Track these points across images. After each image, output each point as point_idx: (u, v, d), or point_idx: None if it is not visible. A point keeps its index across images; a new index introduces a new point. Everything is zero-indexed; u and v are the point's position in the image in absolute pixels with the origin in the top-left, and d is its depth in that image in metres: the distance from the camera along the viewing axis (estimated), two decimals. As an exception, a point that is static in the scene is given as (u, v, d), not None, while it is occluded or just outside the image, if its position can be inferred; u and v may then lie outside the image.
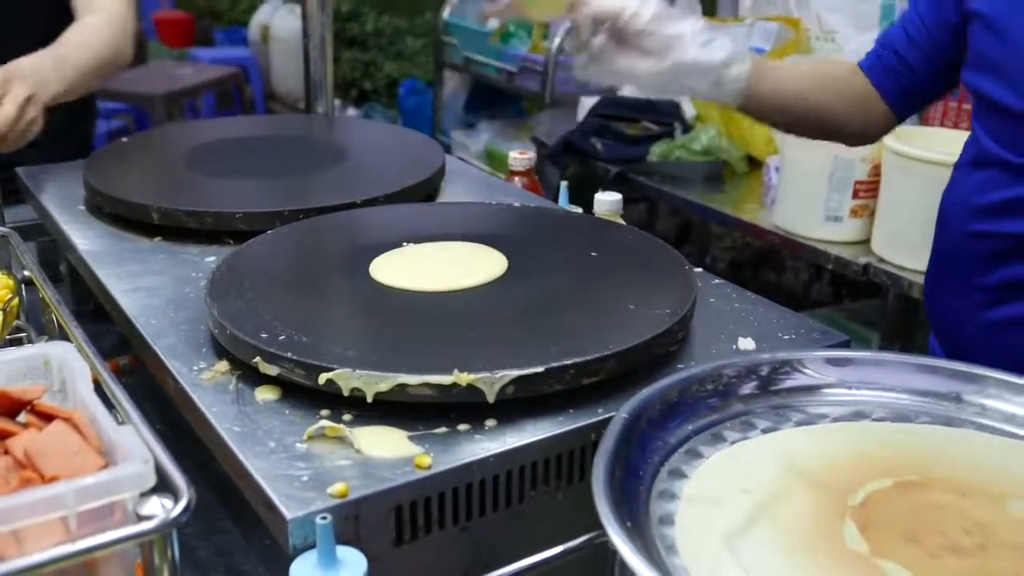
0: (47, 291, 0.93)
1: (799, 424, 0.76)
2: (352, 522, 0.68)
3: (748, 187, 2.29)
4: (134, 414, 0.65)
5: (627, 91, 2.73)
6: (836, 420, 0.76)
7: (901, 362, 0.80)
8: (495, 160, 3.28)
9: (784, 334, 0.92)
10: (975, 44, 1.05)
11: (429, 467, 0.71)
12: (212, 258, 1.08)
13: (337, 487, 0.68)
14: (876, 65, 1.17)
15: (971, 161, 1.09)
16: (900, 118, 1.20)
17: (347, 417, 0.77)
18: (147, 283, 1.02)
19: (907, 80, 1.15)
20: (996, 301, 1.05)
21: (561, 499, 0.77)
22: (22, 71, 1.25)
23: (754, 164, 2.34)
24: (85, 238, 1.14)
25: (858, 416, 0.77)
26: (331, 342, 0.81)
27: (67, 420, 0.63)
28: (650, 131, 2.43)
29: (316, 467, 0.71)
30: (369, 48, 4.80)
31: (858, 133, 1.20)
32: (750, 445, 0.73)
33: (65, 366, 0.70)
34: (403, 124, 3.87)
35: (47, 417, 0.64)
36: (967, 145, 1.11)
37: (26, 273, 1.01)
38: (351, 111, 4.56)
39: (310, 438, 0.74)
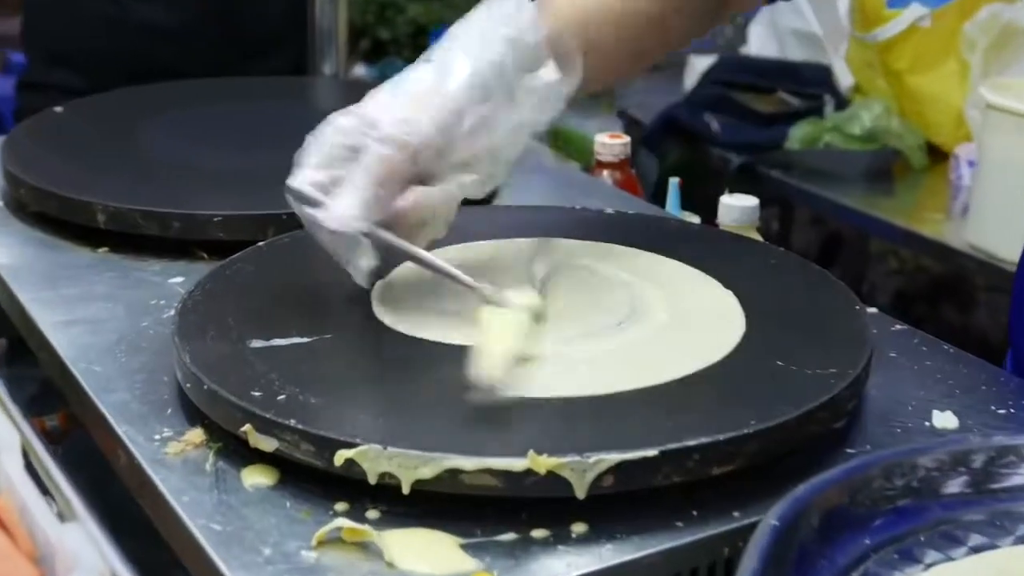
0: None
1: (1027, 541, 0.74)
2: (381, 668, 0.67)
3: (928, 188, 2.28)
4: (81, 506, 0.65)
5: (754, 47, 2.72)
6: (1082, 537, 0.75)
7: None
8: (568, 143, 3.27)
9: (998, 406, 0.91)
10: None
11: (492, 591, 0.70)
12: (180, 279, 1.08)
13: (361, 617, 0.68)
14: None
15: None
16: None
17: (373, 514, 0.77)
18: (89, 313, 1.02)
19: None
20: None
21: (679, 639, 0.76)
22: None
23: (937, 156, 2.32)
24: (2, 247, 1.15)
25: (1114, 531, 0.75)
26: (352, 405, 0.82)
27: (-14, 512, 0.62)
28: (789, 106, 2.43)
29: (330, 586, 0.71)
30: (386, -15, 4.85)
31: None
32: (957, 569, 0.72)
33: (-19, 433, 0.70)
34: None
35: (-43, 506, 0.64)
36: None
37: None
38: (360, 69, 4.59)
39: (321, 544, 0.74)
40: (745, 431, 0.78)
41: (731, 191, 1.27)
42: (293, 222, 1.12)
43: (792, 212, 3.18)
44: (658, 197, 1.48)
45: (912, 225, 2.12)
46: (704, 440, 0.77)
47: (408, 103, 0.94)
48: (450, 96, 0.93)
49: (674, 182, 1.34)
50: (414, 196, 0.93)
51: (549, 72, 0.98)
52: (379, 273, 0.97)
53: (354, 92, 1.69)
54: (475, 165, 0.96)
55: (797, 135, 2.35)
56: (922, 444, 0.78)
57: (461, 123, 0.93)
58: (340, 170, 0.94)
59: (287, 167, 1.28)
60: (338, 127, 0.96)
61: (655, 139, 2.46)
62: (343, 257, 0.94)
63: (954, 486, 0.77)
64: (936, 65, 2.30)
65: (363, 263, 0.93)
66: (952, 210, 2.12)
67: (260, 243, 1.08)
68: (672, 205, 1.33)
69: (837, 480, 0.73)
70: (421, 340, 0.92)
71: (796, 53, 2.60)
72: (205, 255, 1.12)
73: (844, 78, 2.48)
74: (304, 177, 0.95)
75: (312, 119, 1.46)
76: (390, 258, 0.97)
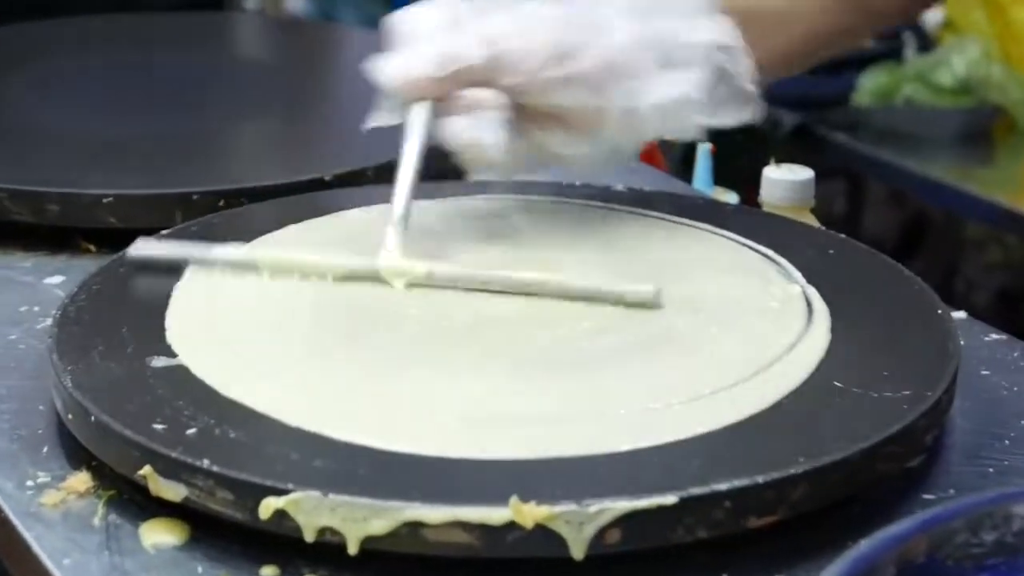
0: None
1: None
2: None
3: (1039, 156, 2.28)
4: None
5: None
6: None
7: None
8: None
9: (1120, 441, 0.93)
10: None
11: None
12: (59, 278, 1.10)
13: None
14: None
15: None
16: None
17: (311, 582, 0.78)
18: (-60, 323, 1.04)
19: None
20: None
21: None
22: None
23: (1051, 112, 2.33)
24: None
25: None
26: (282, 440, 0.82)
27: None
28: (857, 48, 2.43)
29: (254, 675, 0.72)
30: None
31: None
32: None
33: None
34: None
35: None
36: None
37: None
38: (295, 2, 4.54)
39: (243, 620, 0.75)
40: (792, 471, 0.79)
41: (778, 161, 1.27)
42: (206, 204, 1.13)
43: (862, 187, 3.18)
44: (685, 168, 1.47)
45: (1018, 204, 2.12)
46: (738, 483, 0.77)
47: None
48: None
49: (704, 149, 1.33)
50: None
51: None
52: None
53: (285, 34, 1.71)
54: (605, 119, 1.03)
55: (869, 86, 2.35)
56: (1020, 488, 0.79)
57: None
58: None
59: (199, 132, 1.29)
60: None
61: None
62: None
63: (1060, 541, 0.78)
64: (1051, -6, 2.32)
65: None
66: (1071, 184, 2.13)
67: (164, 231, 1.08)
68: (702, 179, 1.33)
69: (910, 534, 0.74)
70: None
71: (867, -22, 2.62)
72: (92, 247, 1.13)
73: (932, 14, 2.48)
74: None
75: (231, 69, 1.47)
76: None
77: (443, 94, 1.01)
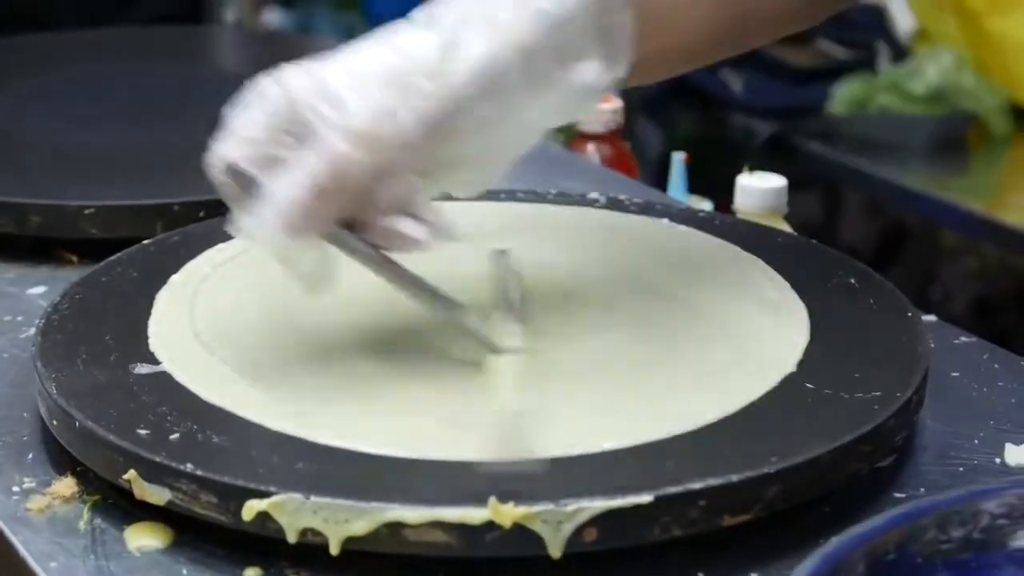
0: None
1: (1121, 605, 0.76)
2: None
3: (1012, 163, 2.27)
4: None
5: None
6: None
7: None
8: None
9: (1089, 439, 0.93)
10: None
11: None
12: (42, 288, 1.10)
13: None
14: None
15: None
16: None
17: (293, 583, 0.78)
18: (-77, 333, 1.04)
19: None
20: None
21: None
22: None
23: (1024, 119, 2.33)
24: None
25: None
26: (264, 443, 0.83)
27: None
28: (832, 58, 2.43)
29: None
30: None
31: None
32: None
33: None
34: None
35: None
36: None
37: None
38: (272, 16, 4.52)
39: (227, 621, 0.75)
40: (765, 470, 0.79)
41: (752, 169, 1.27)
42: (186, 215, 1.14)
43: (839, 196, 3.17)
44: (661, 177, 1.47)
45: (993, 212, 2.11)
46: (712, 482, 0.78)
47: (391, 84, 0.86)
48: (451, 87, 0.86)
49: (677, 157, 1.32)
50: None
51: (590, 69, 0.92)
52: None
53: (264, 46, 1.71)
54: (461, 164, 0.91)
55: (843, 96, 2.35)
56: (987, 486, 0.80)
57: (456, 122, 0.87)
58: (279, 150, 0.86)
59: (179, 144, 1.28)
60: (286, 90, 0.87)
61: (658, 104, 2.46)
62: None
63: (1028, 537, 0.78)
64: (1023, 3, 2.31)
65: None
66: (1045, 192, 2.13)
67: (145, 241, 1.10)
68: (676, 187, 1.33)
69: (880, 531, 0.75)
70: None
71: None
72: (74, 258, 1.14)
73: (903, 20, 2.47)
74: (232, 149, 0.86)
75: (210, 81, 1.48)
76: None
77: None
